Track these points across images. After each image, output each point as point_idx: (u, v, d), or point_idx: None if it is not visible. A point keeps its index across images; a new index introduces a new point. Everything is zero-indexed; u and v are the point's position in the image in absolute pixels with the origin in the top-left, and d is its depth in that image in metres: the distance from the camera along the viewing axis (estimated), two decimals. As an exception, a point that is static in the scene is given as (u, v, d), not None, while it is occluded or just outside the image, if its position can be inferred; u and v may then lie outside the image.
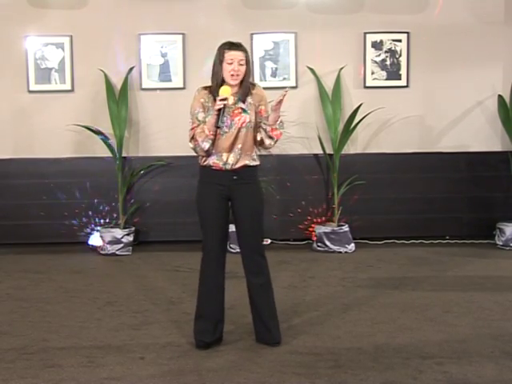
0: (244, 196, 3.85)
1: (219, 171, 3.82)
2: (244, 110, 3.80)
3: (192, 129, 3.82)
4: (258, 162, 3.91)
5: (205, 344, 3.83)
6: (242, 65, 3.75)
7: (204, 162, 3.87)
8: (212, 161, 3.82)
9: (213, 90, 3.78)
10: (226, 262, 3.96)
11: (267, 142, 3.85)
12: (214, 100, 3.73)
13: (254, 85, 3.90)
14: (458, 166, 6.90)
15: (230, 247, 5.87)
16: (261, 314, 3.90)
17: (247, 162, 3.83)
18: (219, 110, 3.65)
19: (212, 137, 3.73)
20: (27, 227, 6.74)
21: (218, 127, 3.69)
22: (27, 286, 5.33)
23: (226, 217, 3.89)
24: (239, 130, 3.79)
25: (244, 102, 3.82)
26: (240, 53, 3.76)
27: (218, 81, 3.77)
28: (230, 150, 3.79)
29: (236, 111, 3.80)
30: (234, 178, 3.82)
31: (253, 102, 3.84)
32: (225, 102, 3.65)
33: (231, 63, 3.74)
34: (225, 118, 3.75)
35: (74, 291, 5.14)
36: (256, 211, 3.89)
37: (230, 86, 3.74)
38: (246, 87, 3.82)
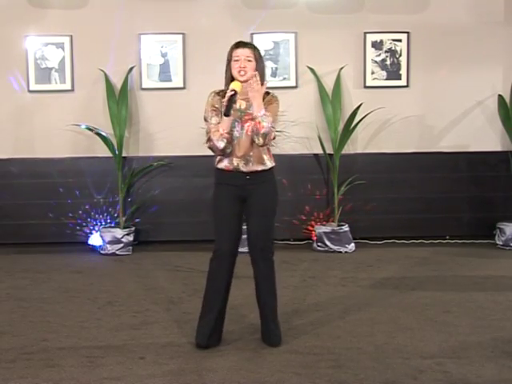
0: (257, 195, 3.83)
1: (232, 172, 3.81)
2: (255, 117, 3.77)
3: (208, 132, 3.78)
4: (272, 164, 3.88)
5: (202, 346, 3.83)
6: (249, 61, 3.74)
7: (217, 164, 3.86)
8: (224, 164, 3.82)
9: (224, 95, 3.75)
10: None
11: (255, 139, 3.73)
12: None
13: (268, 93, 3.84)
14: (458, 166, 6.91)
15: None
16: (263, 313, 3.92)
17: (259, 168, 3.82)
18: (229, 99, 3.62)
19: (227, 135, 3.71)
20: (27, 227, 6.74)
21: (226, 115, 3.65)
22: (27, 285, 5.33)
23: (239, 219, 3.86)
24: (250, 138, 3.77)
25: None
26: (246, 49, 3.76)
27: (228, 83, 3.76)
28: (242, 156, 3.78)
29: (246, 117, 3.78)
30: (247, 177, 3.81)
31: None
32: (233, 93, 3.62)
33: (238, 60, 3.74)
34: (236, 123, 3.74)
35: (73, 291, 5.14)
36: (267, 211, 3.86)
37: (241, 82, 3.72)
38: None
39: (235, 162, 3.80)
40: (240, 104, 3.78)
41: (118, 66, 6.65)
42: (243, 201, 3.86)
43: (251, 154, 3.79)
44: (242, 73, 3.73)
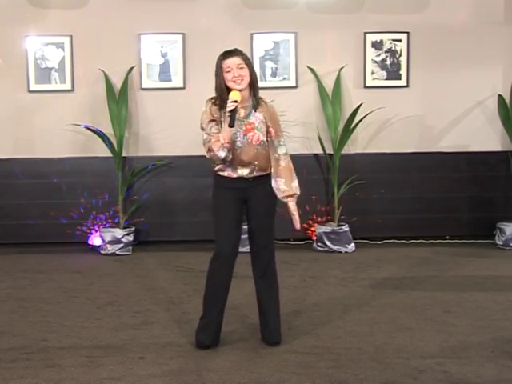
0: (259, 196, 3.84)
1: (235, 179, 3.81)
2: (257, 128, 3.77)
3: (207, 142, 3.75)
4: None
5: (205, 345, 3.83)
6: (241, 68, 3.73)
7: (217, 171, 3.85)
8: (227, 173, 3.81)
9: (220, 104, 3.74)
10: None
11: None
12: (225, 112, 3.69)
13: (265, 102, 3.85)
14: (458, 166, 6.90)
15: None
16: (264, 312, 3.92)
17: (262, 173, 3.84)
18: (232, 110, 3.60)
19: (228, 145, 3.70)
20: (27, 227, 6.75)
21: (231, 126, 3.62)
22: (27, 285, 5.34)
23: (239, 220, 3.87)
24: (255, 148, 3.77)
25: (254, 114, 3.79)
26: (235, 58, 3.74)
27: (222, 93, 3.73)
28: (247, 165, 3.79)
29: (248, 126, 3.77)
30: (250, 180, 3.82)
31: (264, 120, 3.80)
32: (236, 104, 3.60)
33: (229, 71, 3.71)
34: (238, 133, 3.74)
35: (73, 291, 5.15)
36: (269, 211, 3.90)
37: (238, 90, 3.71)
38: (255, 96, 3.79)
39: (239, 170, 3.80)
40: (239, 112, 3.74)
41: (118, 66, 6.65)
42: (244, 202, 3.87)
43: (256, 163, 3.79)
44: (239, 81, 3.71)
